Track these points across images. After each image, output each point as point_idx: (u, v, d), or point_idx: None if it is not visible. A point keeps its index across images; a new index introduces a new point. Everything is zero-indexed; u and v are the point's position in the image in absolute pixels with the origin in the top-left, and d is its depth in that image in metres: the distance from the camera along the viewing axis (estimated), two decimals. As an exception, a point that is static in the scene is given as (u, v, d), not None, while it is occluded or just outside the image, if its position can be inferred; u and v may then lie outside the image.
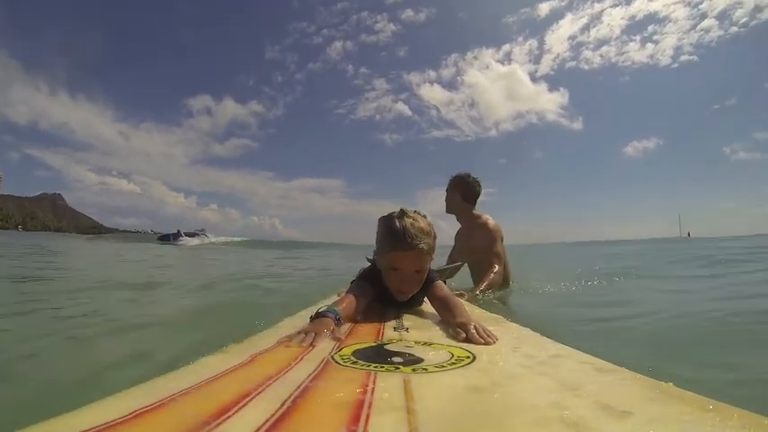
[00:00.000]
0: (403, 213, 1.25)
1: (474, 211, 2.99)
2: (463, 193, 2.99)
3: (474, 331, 0.86)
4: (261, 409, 0.45)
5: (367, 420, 0.42)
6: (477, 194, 3.01)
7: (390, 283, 1.25)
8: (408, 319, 1.12)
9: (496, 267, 2.70)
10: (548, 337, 0.90)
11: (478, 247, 2.83)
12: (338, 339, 0.84)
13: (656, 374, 0.56)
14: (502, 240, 2.89)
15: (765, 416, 0.42)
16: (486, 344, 0.82)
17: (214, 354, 0.72)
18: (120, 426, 0.40)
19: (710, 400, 0.46)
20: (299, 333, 0.85)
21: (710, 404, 0.45)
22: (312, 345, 0.79)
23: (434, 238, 1.27)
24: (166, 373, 0.59)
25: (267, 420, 0.41)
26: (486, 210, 3.01)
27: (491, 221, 2.90)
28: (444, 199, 3.07)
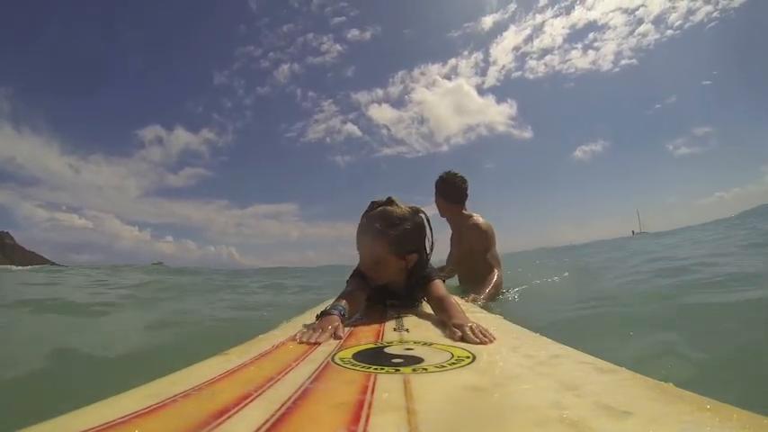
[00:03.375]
0: (389, 201, 1.29)
1: (464, 211, 2.72)
2: (444, 193, 2.74)
3: (470, 331, 0.86)
4: (261, 409, 0.45)
5: (367, 421, 0.42)
6: (461, 192, 2.74)
7: (361, 266, 1.31)
8: (408, 320, 1.12)
9: (496, 272, 2.48)
10: (547, 337, 0.90)
11: (473, 252, 2.60)
12: (340, 338, 0.87)
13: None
14: (495, 243, 2.66)
15: (765, 416, 0.42)
16: (483, 343, 0.81)
17: (214, 356, 0.72)
18: (121, 426, 0.40)
19: (710, 400, 0.46)
20: (307, 330, 0.89)
21: (710, 404, 0.45)
22: (317, 342, 0.82)
23: (405, 231, 1.24)
24: (167, 375, 0.59)
25: (267, 420, 0.41)
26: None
27: (482, 221, 2.66)
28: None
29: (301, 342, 0.83)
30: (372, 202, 1.31)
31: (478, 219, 2.68)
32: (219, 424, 0.40)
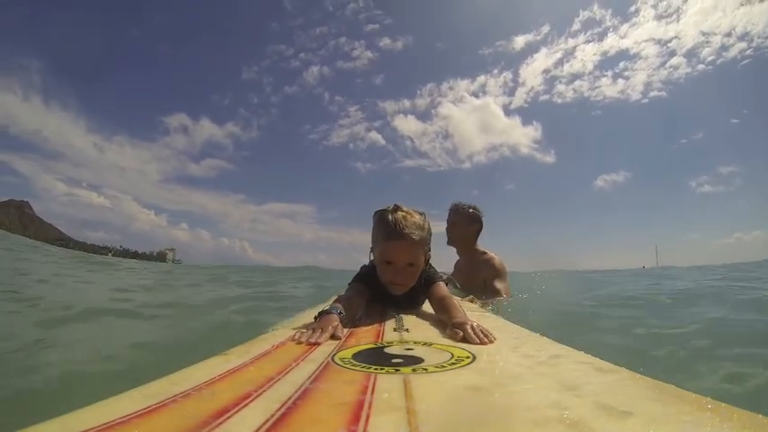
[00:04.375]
0: (397, 208, 1.27)
1: (477, 247, 2.91)
2: (479, 228, 2.91)
3: (471, 331, 0.86)
4: (261, 409, 0.45)
5: (367, 421, 0.42)
6: (481, 227, 2.95)
7: (384, 276, 1.27)
8: (408, 320, 1.12)
9: (504, 295, 2.61)
10: (547, 337, 0.90)
11: (485, 283, 2.72)
12: (339, 338, 0.87)
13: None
14: (507, 278, 2.80)
15: (765, 416, 0.42)
16: (483, 343, 0.82)
17: (214, 355, 0.72)
18: (121, 426, 0.40)
19: (710, 400, 0.46)
20: (306, 330, 0.89)
21: (710, 404, 0.45)
22: (317, 342, 0.82)
23: (429, 233, 1.28)
24: (167, 375, 0.59)
25: (267, 420, 0.41)
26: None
27: (497, 260, 2.81)
28: (445, 229, 2.96)
29: (300, 342, 0.83)
30: (379, 211, 1.30)
31: (494, 256, 2.83)
32: (219, 424, 0.40)
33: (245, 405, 0.46)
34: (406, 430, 0.40)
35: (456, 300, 1.18)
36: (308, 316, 1.12)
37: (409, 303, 1.34)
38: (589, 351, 0.73)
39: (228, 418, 0.42)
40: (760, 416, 0.42)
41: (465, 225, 2.90)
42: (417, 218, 1.26)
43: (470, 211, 2.91)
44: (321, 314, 0.99)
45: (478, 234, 2.92)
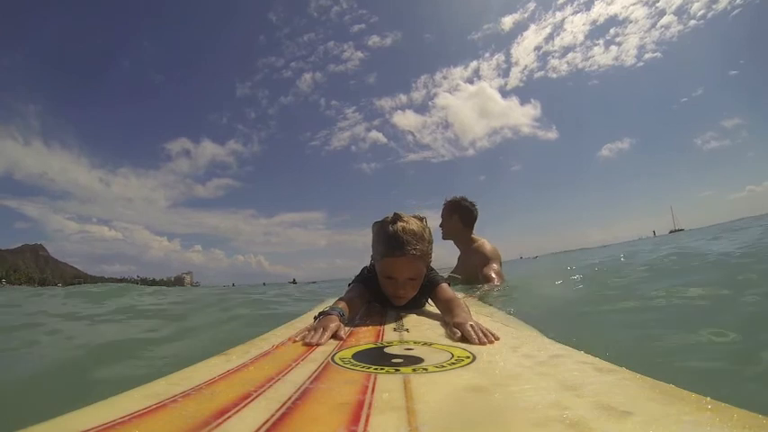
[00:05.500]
0: (397, 218, 1.25)
1: (473, 236, 2.93)
2: (462, 217, 2.93)
3: (470, 330, 0.85)
4: (261, 409, 0.45)
5: (367, 421, 0.42)
6: (475, 218, 2.96)
7: (386, 289, 1.27)
8: (408, 320, 1.12)
9: (496, 281, 2.61)
10: (548, 337, 0.90)
11: (476, 267, 2.77)
12: (341, 339, 0.87)
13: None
14: (500, 263, 2.83)
15: (765, 416, 0.42)
16: (482, 343, 0.81)
17: (214, 356, 0.72)
18: (121, 426, 0.40)
19: (710, 400, 0.46)
20: (307, 330, 0.89)
21: (710, 404, 0.45)
22: (319, 343, 0.82)
23: (429, 242, 1.27)
24: (167, 375, 0.59)
25: (267, 421, 0.41)
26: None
27: (488, 245, 2.85)
28: (440, 225, 2.99)
29: (303, 344, 0.82)
30: (377, 223, 1.29)
31: (485, 243, 2.88)
32: (219, 424, 0.40)
33: (245, 405, 0.46)
34: (406, 430, 0.40)
35: (462, 301, 1.18)
36: (309, 318, 1.12)
37: (411, 305, 1.34)
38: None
39: (228, 418, 0.42)
40: (760, 416, 0.42)
41: (447, 217, 2.95)
42: (417, 227, 1.23)
43: (448, 201, 2.95)
44: (321, 314, 0.99)
45: (466, 223, 2.93)
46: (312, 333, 0.86)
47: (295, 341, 0.84)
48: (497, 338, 0.84)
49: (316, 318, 0.99)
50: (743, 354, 1.37)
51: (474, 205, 2.95)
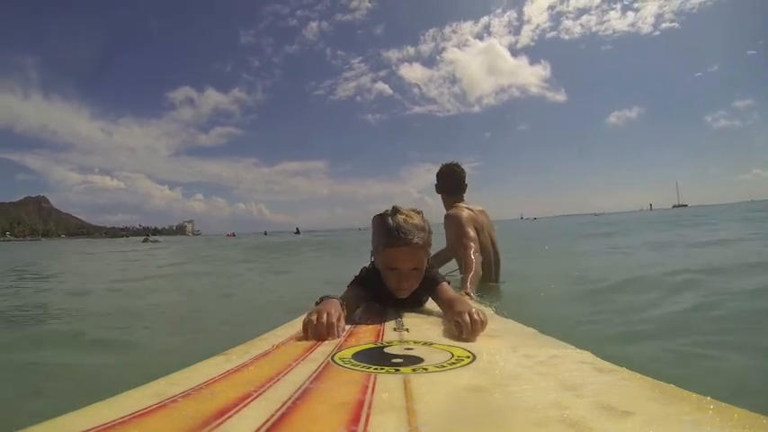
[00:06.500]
0: (396, 210, 1.27)
1: (460, 204, 2.69)
2: (440, 186, 2.77)
3: (468, 318, 0.88)
4: (261, 409, 0.45)
5: (367, 421, 0.42)
6: (457, 183, 2.74)
7: (389, 282, 1.27)
8: (408, 320, 1.12)
9: (467, 251, 2.36)
10: (547, 337, 0.90)
11: (451, 239, 2.57)
12: (341, 331, 0.89)
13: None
14: (483, 229, 2.63)
15: (765, 416, 0.42)
16: (474, 330, 0.86)
17: (214, 356, 0.72)
18: (121, 426, 0.40)
19: (711, 400, 0.46)
20: (310, 315, 0.91)
21: (711, 404, 0.45)
22: (331, 322, 0.88)
23: (429, 233, 1.28)
24: (167, 375, 0.59)
25: (267, 420, 0.41)
26: (473, 183, 2.75)
27: (463, 213, 2.59)
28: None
29: (303, 337, 0.86)
30: (377, 216, 1.30)
31: (459, 209, 2.64)
32: (219, 424, 0.40)
33: (245, 405, 0.46)
34: (406, 430, 0.40)
35: (465, 299, 1.18)
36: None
37: (411, 303, 1.34)
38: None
39: (228, 418, 0.42)
40: (760, 416, 0.42)
41: (439, 188, 2.79)
42: (417, 219, 1.25)
43: (438, 171, 2.78)
44: (323, 299, 1.01)
45: (449, 191, 2.75)
46: (315, 317, 0.89)
47: (294, 339, 0.85)
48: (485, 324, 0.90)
49: (317, 302, 1.01)
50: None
51: (454, 168, 2.75)
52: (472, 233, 2.52)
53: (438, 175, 2.81)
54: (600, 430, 0.40)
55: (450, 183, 2.77)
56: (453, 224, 2.60)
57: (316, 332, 0.87)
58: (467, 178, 2.81)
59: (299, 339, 0.86)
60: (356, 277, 1.38)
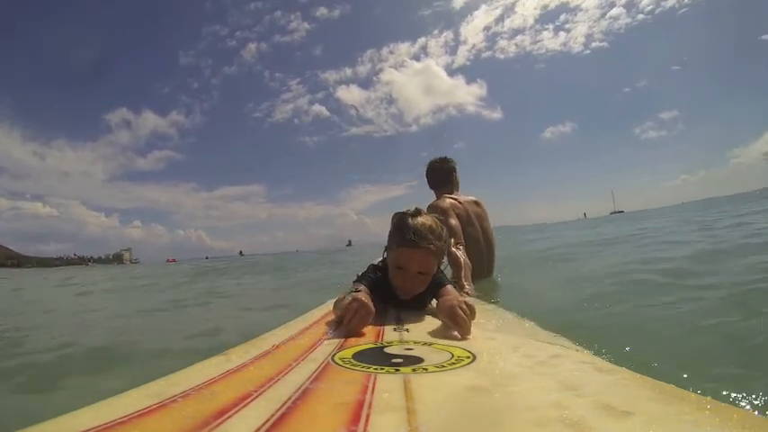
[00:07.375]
0: (417, 212, 1.27)
1: (446, 195, 2.71)
2: (429, 183, 2.85)
3: (459, 311, 0.90)
4: (261, 409, 0.45)
5: (367, 421, 0.42)
6: (444, 175, 2.79)
7: (394, 280, 1.27)
8: (408, 320, 1.12)
9: (452, 242, 2.23)
10: (546, 331, 0.90)
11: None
12: (370, 315, 0.94)
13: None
14: (472, 219, 2.63)
15: (765, 416, 0.42)
16: (459, 321, 0.88)
17: (214, 356, 0.72)
18: (121, 426, 0.40)
19: (710, 400, 0.46)
20: (344, 299, 0.99)
21: (710, 404, 0.45)
22: (365, 304, 0.93)
23: (445, 241, 1.28)
24: (167, 375, 0.59)
25: (267, 420, 0.41)
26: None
27: (443, 202, 2.60)
28: None
29: (339, 319, 0.94)
30: (398, 214, 1.30)
31: (443, 199, 2.67)
32: (219, 424, 0.40)
33: (245, 405, 0.46)
34: (406, 430, 0.40)
35: (452, 294, 1.18)
36: (309, 317, 1.12)
37: (414, 304, 1.33)
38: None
39: (228, 418, 0.42)
40: (760, 416, 0.42)
41: (428, 185, 2.88)
42: (435, 225, 1.25)
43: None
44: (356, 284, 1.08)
45: (433, 184, 2.84)
46: (350, 300, 0.93)
47: (294, 339, 0.85)
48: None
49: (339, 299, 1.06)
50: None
51: (435, 163, 2.82)
52: (453, 222, 2.49)
53: (426, 174, 2.89)
54: (600, 430, 0.40)
55: (434, 177, 2.86)
56: (444, 212, 2.52)
57: (360, 321, 0.92)
58: (457, 169, 2.85)
59: (334, 321, 0.97)
60: (362, 274, 1.38)
